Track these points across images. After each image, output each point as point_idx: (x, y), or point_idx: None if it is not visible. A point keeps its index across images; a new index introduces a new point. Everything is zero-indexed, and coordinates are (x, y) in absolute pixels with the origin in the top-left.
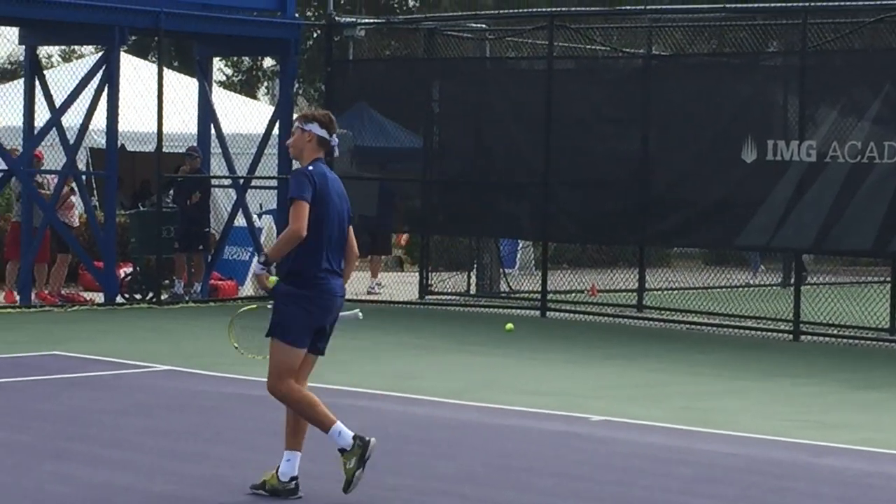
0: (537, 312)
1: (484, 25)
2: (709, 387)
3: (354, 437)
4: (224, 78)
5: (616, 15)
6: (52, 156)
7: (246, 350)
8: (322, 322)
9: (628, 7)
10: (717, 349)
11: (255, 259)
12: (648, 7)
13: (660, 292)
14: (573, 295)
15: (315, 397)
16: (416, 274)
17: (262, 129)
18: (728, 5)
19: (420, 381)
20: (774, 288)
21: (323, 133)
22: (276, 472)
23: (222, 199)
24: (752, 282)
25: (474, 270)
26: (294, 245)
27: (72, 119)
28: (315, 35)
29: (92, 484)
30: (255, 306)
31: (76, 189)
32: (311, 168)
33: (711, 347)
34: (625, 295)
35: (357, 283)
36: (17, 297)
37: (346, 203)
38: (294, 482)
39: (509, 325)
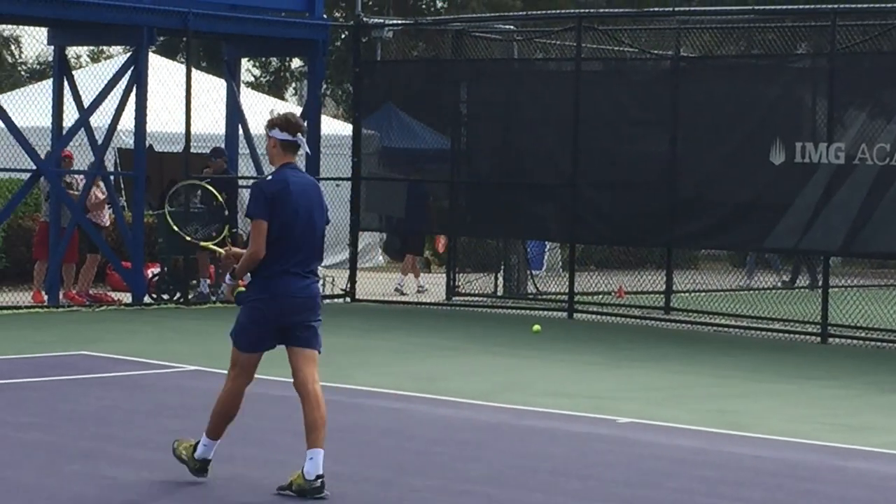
0: (564, 314)
1: (512, 27)
2: (736, 389)
3: (204, 460)
4: (252, 79)
5: (644, 16)
6: (80, 156)
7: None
8: (282, 322)
9: (656, 9)
10: (744, 352)
11: (228, 274)
12: (677, 9)
13: (687, 294)
14: (600, 296)
15: (233, 412)
16: (444, 275)
17: None
18: (757, 7)
19: (447, 383)
20: (802, 290)
21: (285, 136)
22: (302, 471)
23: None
24: (777, 284)
25: (501, 272)
26: (255, 265)
27: (100, 119)
28: (343, 36)
29: (118, 484)
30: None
31: (105, 189)
32: (269, 178)
33: (739, 350)
34: (652, 297)
35: (386, 284)
36: (45, 297)
37: (322, 204)
38: (319, 480)
39: (536, 327)
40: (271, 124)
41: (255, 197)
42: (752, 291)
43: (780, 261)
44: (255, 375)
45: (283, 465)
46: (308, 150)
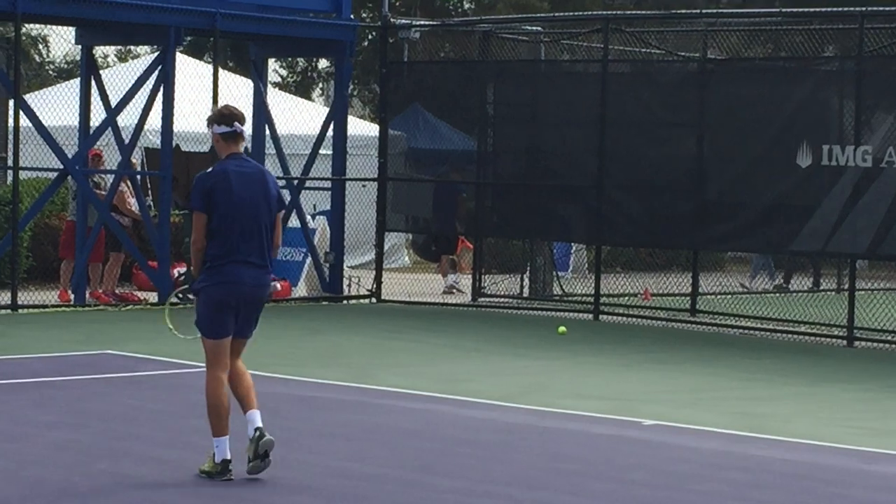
0: (590, 316)
1: (539, 28)
2: (761, 392)
3: (224, 461)
4: (279, 79)
5: (672, 18)
6: (107, 155)
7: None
8: (236, 308)
9: (684, 11)
10: (770, 354)
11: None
12: (704, 11)
13: (713, 297)
14: (626, 298)
15: (222, 403)
16: (469, 276)
17: (316, 131)
18: (784, 9)
19: (472, 384)
20: (829, 293)
21: (223, 129)
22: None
23: None
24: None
25: (527, 273)
26: (200, 254)
27: (127, 119)
28: (370, 37)
29: (144, 483)
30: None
31: (132, 189)
32: (210, 170)
33: (765, 353)
34: (678, 299)
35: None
36: (72, 297)
37: (269, 192)
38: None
39: (562, 328)
40: (209, 121)
41: (194, 189)
42: (778, 294)
43: (774, 263)
44: (286, 376)
45: (307, 465)
46: (247, 140)
